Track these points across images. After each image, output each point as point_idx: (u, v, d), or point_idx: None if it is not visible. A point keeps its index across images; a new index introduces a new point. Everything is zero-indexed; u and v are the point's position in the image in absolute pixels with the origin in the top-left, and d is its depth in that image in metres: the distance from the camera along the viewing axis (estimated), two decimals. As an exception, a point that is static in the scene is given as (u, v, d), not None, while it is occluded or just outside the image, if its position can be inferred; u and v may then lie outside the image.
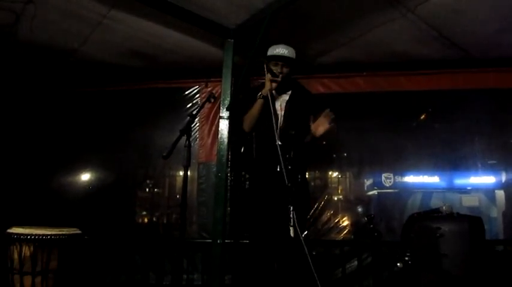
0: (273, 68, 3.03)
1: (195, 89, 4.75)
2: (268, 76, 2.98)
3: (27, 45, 4.14)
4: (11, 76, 4.65)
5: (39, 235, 3.27)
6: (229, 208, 4.18)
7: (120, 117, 4.87)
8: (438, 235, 3.05)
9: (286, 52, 3.04)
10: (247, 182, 3.39)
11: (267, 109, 2.93)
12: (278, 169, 2.75)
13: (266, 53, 3.11)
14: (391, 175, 4.91)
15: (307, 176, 3.28)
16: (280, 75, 2.99)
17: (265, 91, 2.99)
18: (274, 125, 2.86)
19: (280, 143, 2.86)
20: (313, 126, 2.95)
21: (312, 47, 4.15)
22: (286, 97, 3.13)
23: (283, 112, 3.07)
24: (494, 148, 4.65)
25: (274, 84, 2.98)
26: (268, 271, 2.90)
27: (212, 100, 3.11)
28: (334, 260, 4.20)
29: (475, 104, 4.44)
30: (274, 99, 3.04)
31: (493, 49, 4.09)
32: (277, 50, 3.05)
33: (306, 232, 4.36)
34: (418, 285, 3.16)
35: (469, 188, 4.82)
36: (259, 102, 3.03)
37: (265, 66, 3.03)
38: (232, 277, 4.08)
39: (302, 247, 2.51)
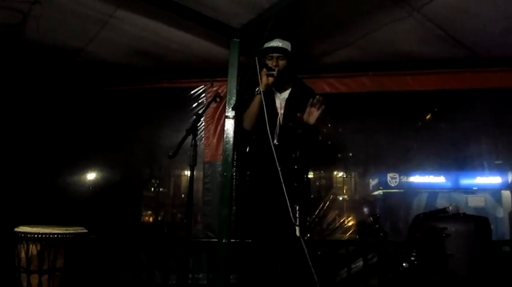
0: (268, 62, 2.97)
1: (200, 88, 4.76)
2: (263, 71, 2.91)
3: (34, 45, 4.17)
4: (18, 76, 4.68)
5: (46, 233, 3.29)
6: (234, 208, 4.18)
7: (126, 117, 4.88)
8: (444, 235, 3.04)
9: (280, 44, 2.98)
10: (252, 181, 3.38)
11: (267, 107, 2.87)
12: (279, 169, 2.73)
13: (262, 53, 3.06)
14: (397, 175, 4.89)
15: (312, 176, 3.27)
16: (276, 69, 2.91)
17: (262, 86, 2.91)
18: (273, 124, 2.82)
19: (277, 142, 2.83)
20: (304, 116, 2.82)
21: (317, 47, 4.15)
22: (286, 95, 3.07)
23: (282, 111, 3.01)
24: (500, 148, 4.63)
25: (270, 79, 2.90)
26: (272, 272, 2.90)
27: (218, 100, 3.09)
28: (340, 260, 4.20)
29: (481, 103, 4.42)
30: (274, 97, 3.02)
31: (499, 48, 4.07)
32: (271, 44, 3.00)
33: (308, 234, 4.39)
34: (424, 285, 3.14)
35: (475, 188, 4.79)
36: (257, 98, 2.95)
37: (256, 60, 2.95)
38: (238, 276, 4.08)
39: (306, 247, 2.49)
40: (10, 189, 4.38)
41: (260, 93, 2.91)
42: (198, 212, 4.55)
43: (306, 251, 2.41)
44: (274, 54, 2.99)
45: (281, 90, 3.07)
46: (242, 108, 3.19)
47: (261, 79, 2.92)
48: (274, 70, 2.90)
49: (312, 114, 2.80)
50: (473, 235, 3.03)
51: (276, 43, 2.99)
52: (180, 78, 4.81)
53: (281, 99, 3.05)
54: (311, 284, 2.50)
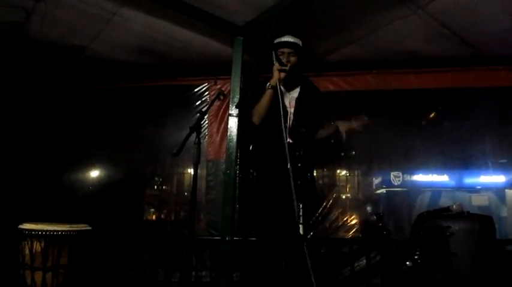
0: (280, 57, 2.96)
1: (204, 86, 4.76)
2: (276, 65, 2.88)
3: (38, 42, 4.18)
4: (22, 73, 4.70)
5: (50, 231, 3.31)
6: (237, 206, 4.18)
7: (129, 114, 4.89)
8: (448, 233, 3.03)
9: (292, 40, 2.97)
10: (255, 180, 3.37)
11: (276, 104, 2.84)
12: (288, 167, 2.72)
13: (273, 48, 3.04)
14: (400, 174, 4.87)
15: (315, 174, 3.27)
16: (288, 64, 2.89)
17: (273, 81, 2.87)
18: (283, 122, 2.78)
19: (291, 141, 2.83)
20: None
21: (321, 45, 4.14)
22: (295, 94, 3.05)
23: (292, 109, 2.99)
24: (504, 146, 4.61)
25: (282, 74, 2.86)
26: (275, 269, 2.89)
27: (221, 98, 3.08)
28: (343, 258, 4.20)
29: (485, 102, 4.40)
30: (283, 95, 3.00)
31: (504, 47, 4.05)
32: (283, 39, 2.99)
33: (311, 233, 4.39)
34: (427, 284, 3.14)
35: (478, 187, 4.76)
36: (268, 92, 2.91)
37: (273, 54, 2.92)
38: (241, 274, 4.08)
39: (309, 245, 2.49)
40: (14, 186, 4.40)
41: (271, 87, 2.89)
42: (201, 210, 4.56)
43: (306, 251, 2.40)
44: (286, 50, 2.98)
45: (290, 89, 3.06)
46: (250, 103, 3.17)
47: (272, 74, 2.90)
48: (286, 65, 2.89)
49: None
50: (477, 233, 3.02)
51: (288, 38, 2.99)
52: (184, 76, 4.82)
53: (290, 97, 3.04)
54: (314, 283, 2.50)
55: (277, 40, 3.02)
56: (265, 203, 2.99)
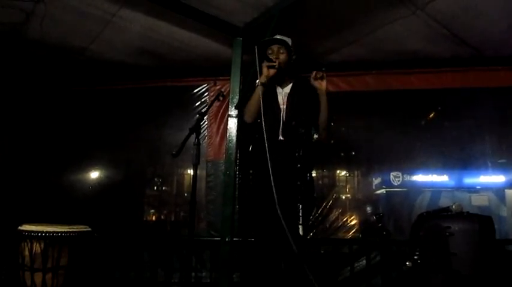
0: (269, 56, 2.92)
1: (203, 87, 4.76)
2: (264, 63, 2.85)
3: (37, 43, 4.18)
4: (21, 75, 4.70)
5: (50, 232, 3.30)
6: (237, 206, 4.18)
7: (129, 115, 4.90)
8: (448, 234, 3.03)
9: (279, 36, 2.96)
10: (254, 180, 3.35)
11: (270, 103, 2.85)
12: (283, 166, 2.70)
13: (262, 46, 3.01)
14: (400, 174, 4.87)
15: (314, 174, 3.26)
16: (277, 61, 2.85)
17: (262, 78, 2.83)
18: (271, 120, 2.77)
19: (282, 138, 2.81)
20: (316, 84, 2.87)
21: (321, 45, 4.14)
22: (287, 90, 3.01)
23: (285, 107, 2.95)
24: (504, 146, 4.62)
25: (272, 71, 2.83)
26: (275, 270, 2.89)
27: (221, 98, 3.07)
28: (343, 259, 4.20)
29: (485, 102, 4.41)
30: (276, 93, 2.98)
31: (504, 47, 4.06)
32: (271, 37, 2.98)
33: (311, 233, 4.38)
34: (427, 284, 3.14)
35: (478, 187, 4.76)
36: (258, 90, 2.86)
37: (256, 49, 2.88)
38: (241, 274, 4.08)
39: (310, 245, 2.49)
40: (14, 187, 4.40)
41: (261, 84, 2.84)
42: (201, 211, 4.55)
43: (295, 250, 2.39)
44: (274, 47, 2.96)
45: (283, 86, 3.05)
46: (244, 102, 3.16)
47: (261, 71, 2.86)
48: (275, 62, 2.86)
49: (321, 85, 2.86)
50: (477, 233, 3.01)
51: (276, 36, 2.99)
52: (183, 77, 4.82)
53: (283, 94, 3.00)
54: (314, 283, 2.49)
55: (265, 39, 3.02)
56: (264, 203, 2.98)
